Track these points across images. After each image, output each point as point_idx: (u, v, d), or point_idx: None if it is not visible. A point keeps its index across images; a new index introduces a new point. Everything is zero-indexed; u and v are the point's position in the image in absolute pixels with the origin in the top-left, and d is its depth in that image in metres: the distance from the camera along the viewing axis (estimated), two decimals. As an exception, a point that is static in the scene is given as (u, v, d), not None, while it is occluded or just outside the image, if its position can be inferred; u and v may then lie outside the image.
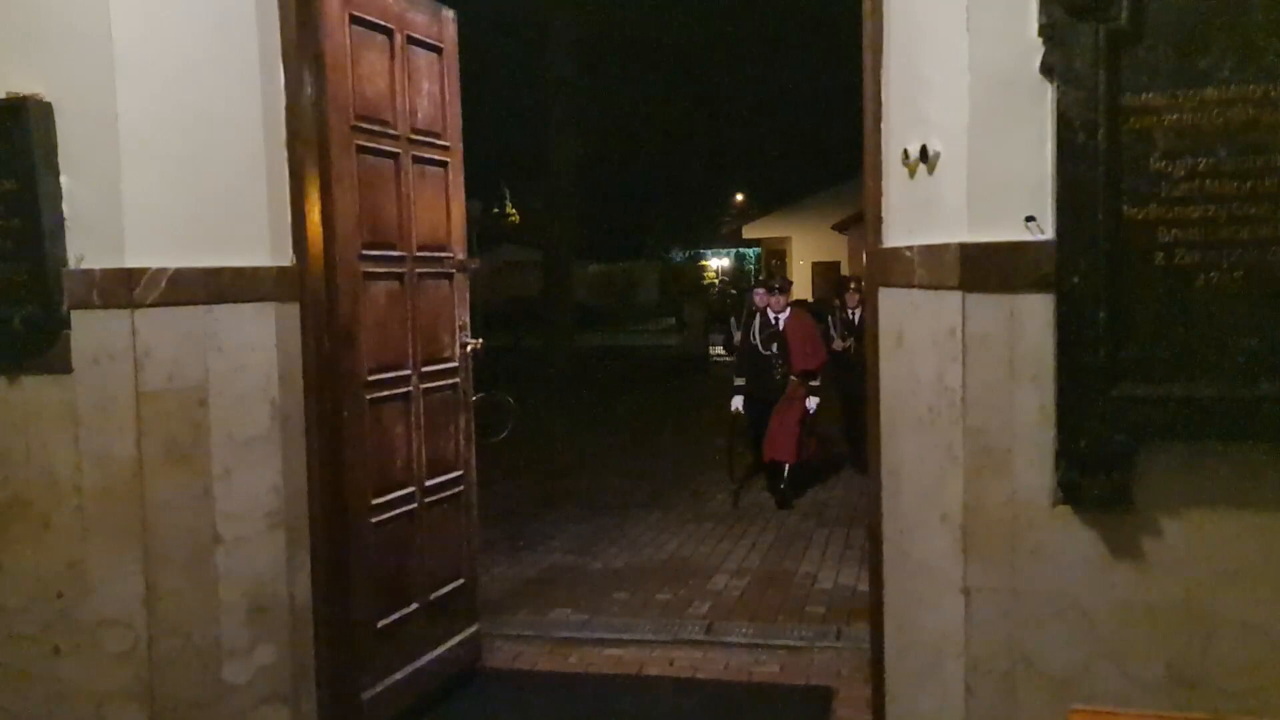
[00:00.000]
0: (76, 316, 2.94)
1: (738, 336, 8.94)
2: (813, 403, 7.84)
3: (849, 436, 9.07)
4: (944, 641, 2.71)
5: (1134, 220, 2.45)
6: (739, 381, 8.12)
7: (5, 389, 3.00)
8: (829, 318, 9.34)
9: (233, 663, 3.17)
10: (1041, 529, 2.57)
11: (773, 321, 8.05)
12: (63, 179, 2.94)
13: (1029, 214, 2.51)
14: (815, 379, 7.91)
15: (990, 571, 2.60)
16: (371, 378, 3.57)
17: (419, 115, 3.85)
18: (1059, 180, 2.47)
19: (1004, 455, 2.58)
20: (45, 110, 2.91)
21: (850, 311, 8.97)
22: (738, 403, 8.10)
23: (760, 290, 8.56)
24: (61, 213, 2.95)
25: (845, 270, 23.92)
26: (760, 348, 8.03)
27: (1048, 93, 2.48)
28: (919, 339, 2.80)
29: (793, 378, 7.88)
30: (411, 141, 3.80)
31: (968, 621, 2.62)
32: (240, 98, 3.17)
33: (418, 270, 3.82)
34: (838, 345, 8.89)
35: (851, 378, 8.11)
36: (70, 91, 2.91)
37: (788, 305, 8.16)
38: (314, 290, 3.34)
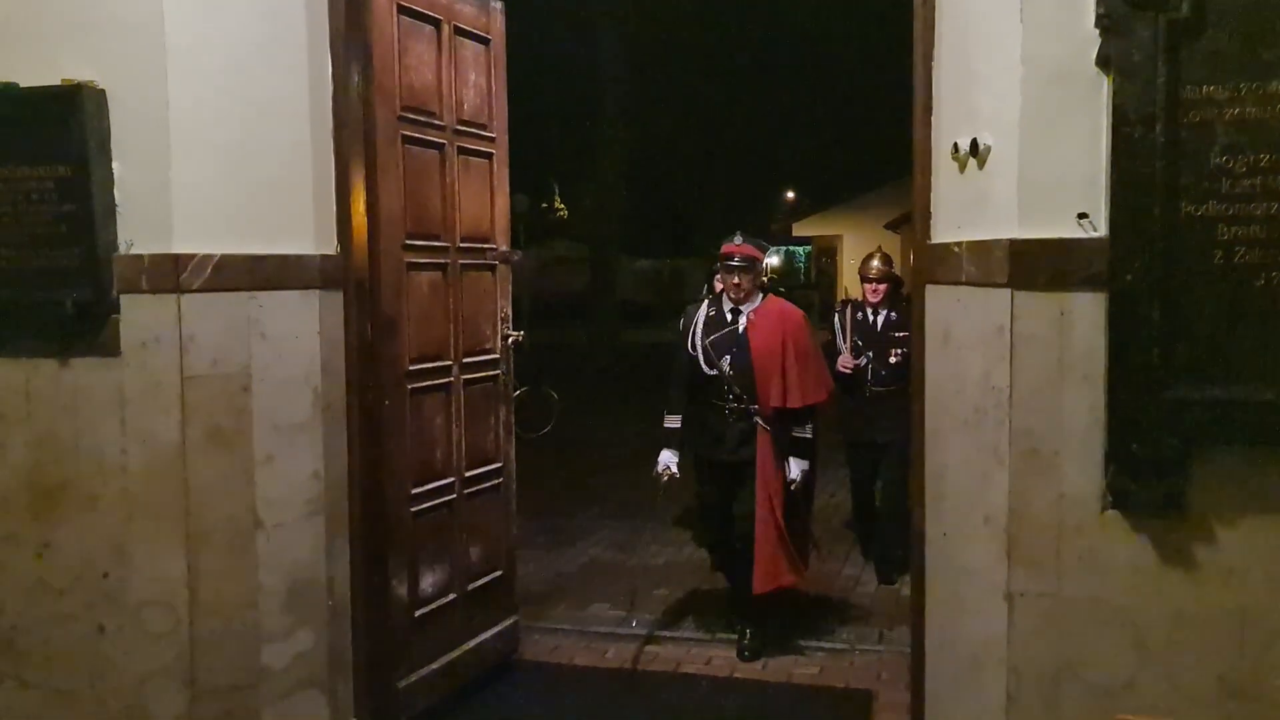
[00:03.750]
0: (125, 301, 2.99)
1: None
2: (796, 468, 4.35)
3: (861, 532, 5.96)
4: (986, 647, 2.65)
5: (1192, 217, 2.38)
6: (670, 421, 4.53)
7: (56, 371, 3.05)
8: (837, 319, 5.76)
9: (271, 647, 3.19)
10: (1089, 534, 2.50)
11: (727, 318, 4.45)
12: (115, 165, 2.98)
13: (1081, 210, 2.44)
14: (805, 425, 4.38)
15: (1035, 576, 2.54)
16: (413, 367, 3.58)
17: (465, 106, 3.86)
18: (1113, 176, 2.40)
19: (1051, 458, 2.51)
20: (99, 97, 2.96)
21: (870, 309, 5.54)
22: (666, 460, 4.44)
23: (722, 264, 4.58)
24: (113, 198, 2.99)
25: (898, 269, 23.62)
26: (703, 364, 4.42)
27: (1103, 86, 2.41)
28: (966, 337, 2.75)
29: (759, 423, 4.29)
30: (457, 132, 3.80)
31: (1011, 627, 2.56)
32: (288, 87, 3.19)
33: (460, 261, 3.83)
34: (846, 363, 5.45)
35: (867, 422, 5.45)
36: (123, 78, 2.94)
37: (760, 290, 4.57)
38: (358, 279, 3.36)
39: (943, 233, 2.97)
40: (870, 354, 5.56)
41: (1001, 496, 2.57)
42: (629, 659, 4.35)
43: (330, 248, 3.33)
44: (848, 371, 5.52)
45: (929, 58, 3.01)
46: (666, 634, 4.65)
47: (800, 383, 4.29)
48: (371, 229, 3.38)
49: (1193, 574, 2.46)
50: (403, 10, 3.50)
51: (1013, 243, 2.51)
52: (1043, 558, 2.54)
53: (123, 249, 2.98)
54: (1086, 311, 2.46)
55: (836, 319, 5.81)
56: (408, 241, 3.54)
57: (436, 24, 3.69)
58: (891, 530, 5.28)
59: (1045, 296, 2.49)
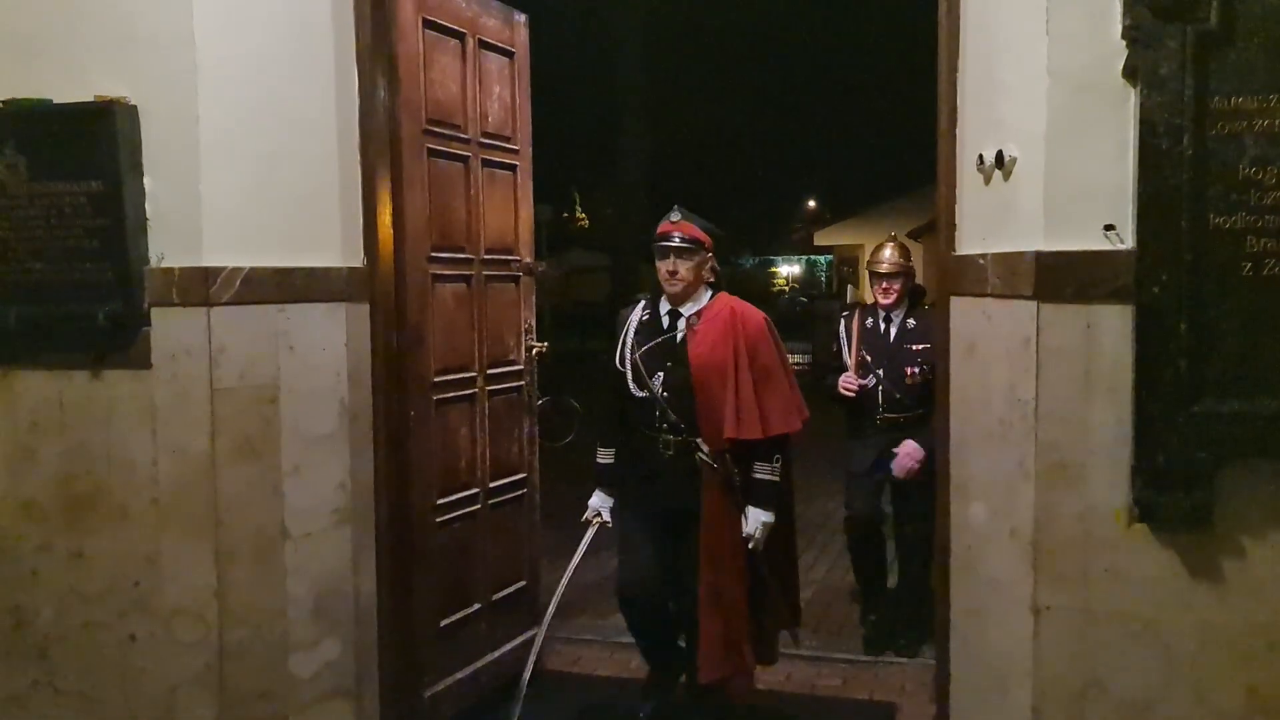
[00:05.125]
0: (156, 313, 3.02)
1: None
2: (754, 522, 3.32)
3: (867, 596, 4.71)
4: (1011, 661, 2.64)
5: (1220, 229, 2.36)
6: (602, 456, 3.69)
7: (88, 383, 3.09)
8: (841, 326, 4.64)
9: (299, 656, 3.22)
10: (1116, 547, 2.49)
11: (663, 323, 3.48)
12: (146, 180, 3.02)
13: (1108, 222, 2.43)
14: (770, 463, 3.35)
15: (1061, 590, 2.53)
16: (438, 378, 3.60)
17: (489, 119, 3.88)
18: (1141, 187, 2.39)
19: (1078, 470, 2.50)
20: (131, 113, 3.00)
21: (883, 315, 4.49)
22: (597, 504, 3.67)
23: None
24: (145, 213, 3.02)
25: (920, 278, 23.52)
26: (631, 382, 3.48)
27: (1130, 97, 2.41)
28: (991, 349, 2.74)
29: (702, 457, 3.33)
30: (481, 145, 3.83)
31: (1037, 641, 2.55)
32: (315, 100, 3.23)
33: (485, 272, 3.85)
34: (849, 384, 4.39)
35: (877, 458, 4.38)
36: (154, 94, 2.98)
37: (709, 288, 3.48)
38: (384, 291, 3.39)
39: (968, 244, 2.97)
40: (881, 371, 4.39)
41: (1027, 509, 2.56)
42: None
43: (356, 260, 3.36)
44: (851, 394, 4.38)
45: (953, 68, 3.01)
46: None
47: (758, 407, 3.25)
48: (397, 241, 3.42)
49: (1221, 588, 2.44)
50: (428, 24, 3.53)
51: (1039, 255, 2.50)
52: (1069, 571, 2.52)
53: (154, 262, 3.02)
54: (1113, 324, 2.45)
55: (841, 327, 4.64)
56: (433, 254, 3.57)
57: (461, 37, 3.72)
58: (911, 593, 4.43)
59: (1072, 309, 2.48)
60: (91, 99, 2.97)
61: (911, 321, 4.46)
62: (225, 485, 3.03)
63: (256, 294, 3.06)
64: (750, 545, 3.32)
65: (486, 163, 3.87)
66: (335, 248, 3.32)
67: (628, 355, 3.47)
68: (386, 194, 3.39)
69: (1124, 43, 2.39)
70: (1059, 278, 2.48)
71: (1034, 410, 2.53)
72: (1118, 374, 2.45)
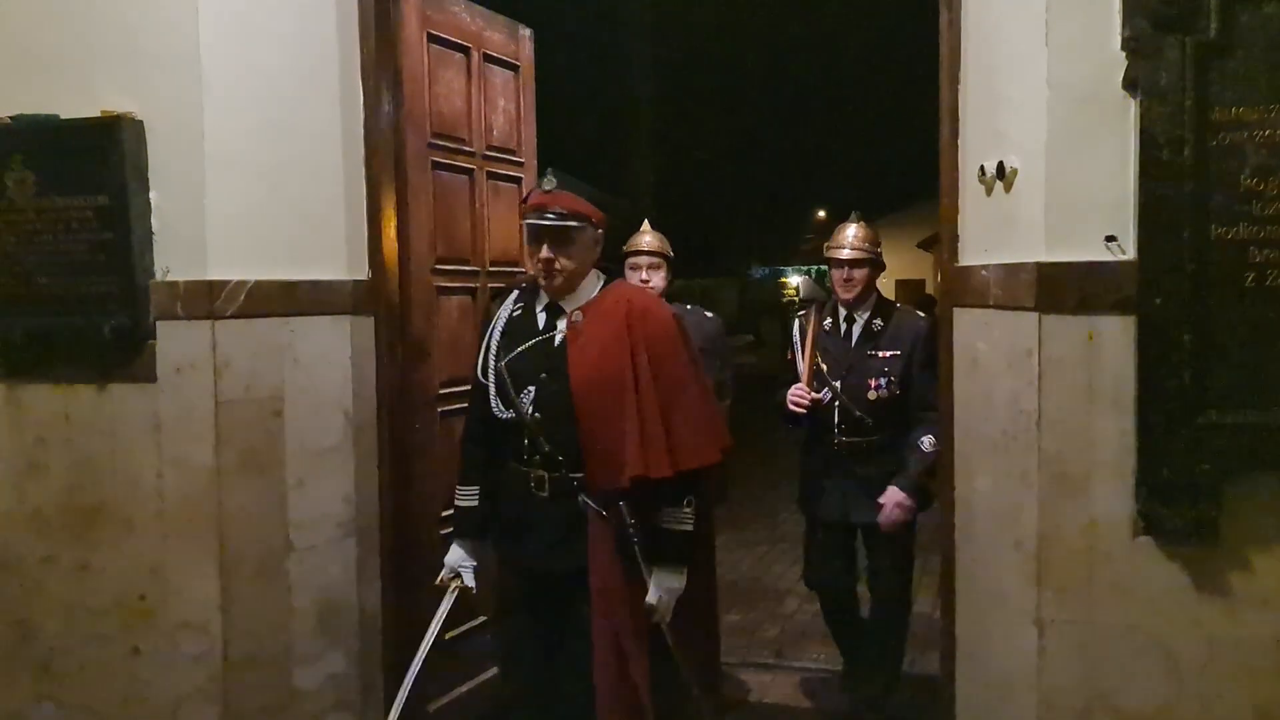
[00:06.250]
0: (161, 327, 3.04)
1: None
2: (658, 588, 2.57)
3: (844, 641, 4.05)
4: (1016, 674, 2.62)
5: (1222, 240, 2.36)
6: (462, 496, 2.87)
7: (94, 396, 3.11)
8: (796, 328, 3.86)
9: (303, 669, 3.22)
10: (1121, 560, 2.47)
11: (537, 319, 2.72)
12: (152, 194, 3.04)
13: (1109, 233, 2.43)
14: (680, 506, 2.59)
15: (1066, 603, 2.51)
16: (443, 390, 3.61)
17: (494, 132, 3.90)
18: (1142, 198, 2.38)
19: (1081, 482, 2.49)
20: (137, 128, 3.02)
21: (844, 312, 3.72)
22: (455, 561, 2.84)
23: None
24: (150, 226, 3.04)
25: (930, 290, 23.55)
26: (494, 399, 2.71)
27: (1130, 108, 2.40)
28: (994, 361, 2.73)
29: (590, 506, 2.57)
30: (486, 158, 3.85)
31: (1041, 654, 2.53)
32: (320, 115, 3.25)
33: (490, 285, 3.86)
34: (800, 397, 3.63)
35: (836, 490, 3.66)
36: (160, 109, 3.00)
37: (598, 277, 2.73)
38: (388, 304, 3.40)
39: (970, 255, 2.96)
40: (839, 382, 3.60)
41: (1031, 521, 2.54)
42: (658, 682, 4.32)
43: (361, 273, 3.38)
44: (801, 409, 3.60)
45: (955, 80, 3.01)
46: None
47: (663, 433, 2.49)
48: (402, 254, 3.43)
49: (1228, 601, 2.42)
50: (433, 39, 3.55)
51: (1040, 266, 2.49)
52: (1073, 584, 2.51)
53: (159, 276, 3.04)
54: (1116, 335, 2.44)
55: (795, 327, 3.83)
56: (437, 266, 3.58)
57: (466, 51, 3.74)
58: (882, 628, 3.86)
59: (1073, 320, 2.48)
60: (98, 114, 3.00)
61: (878, 323, 3.66)
62: (230, 498, 3.04)
63: (261, 307, 3.08)
64: (654, 619, 2.55)
65: (491, 175, 3.89)
66: (340, 261, 3.33)
67: (490, 364, 2.72)
68: (391, 207, 3.40)
69: (1124, 54, 2.39)
70: (1060, 289, 2.47)
71: (1036, 422, 2.52)
72: (1120, 385, 2.44)
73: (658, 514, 2.58)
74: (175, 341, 3.02)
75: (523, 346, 2.68)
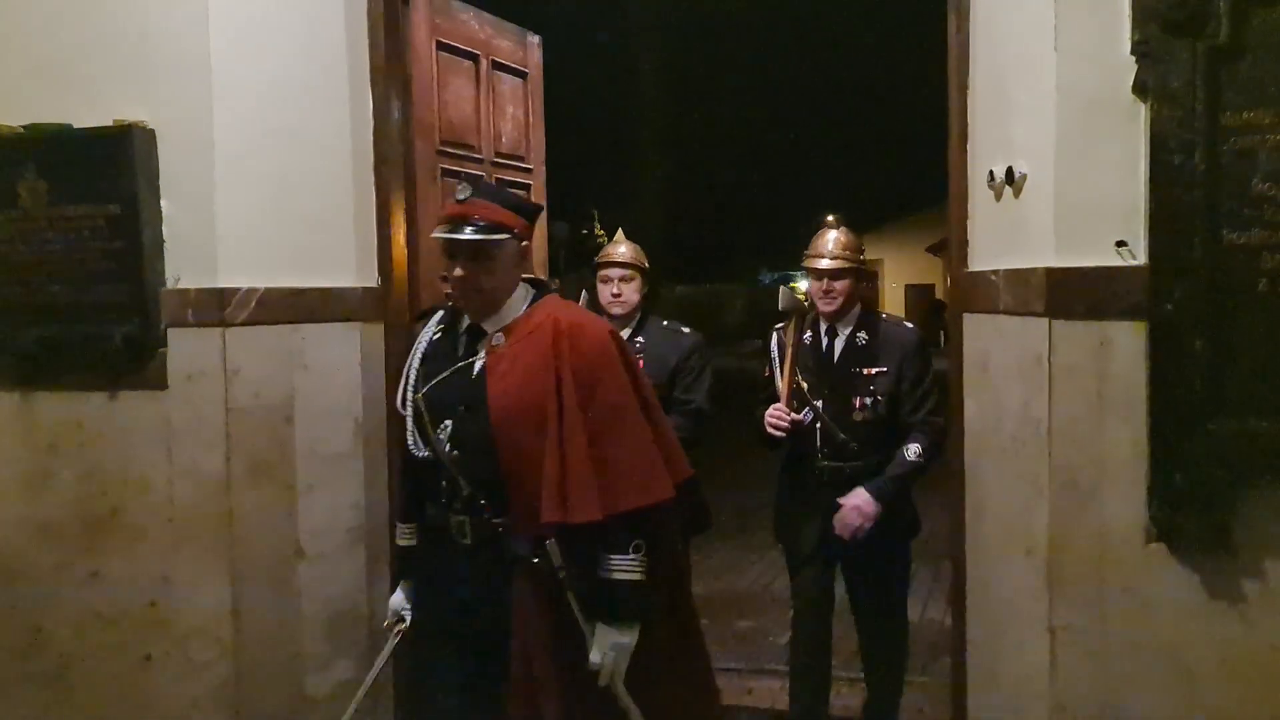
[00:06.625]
0: (172, 334, 3.05)
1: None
2: (600, 647, 2.18)
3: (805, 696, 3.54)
4: (1028, 682, 2.61)
5: (1234, 245, 2.34)
6: (403, 535, 2.55)
7: (105, 404, 3.12)
8: (774, 341, 3.53)
9: (314, 676, 3.22)
10: (1133, 568, 2.45)
11: (459, 342, 2.39)
12: (163, 202, 3.05)
13: (1120, 238, 2.41)
14: (624, 552, 2.21)
15: (1077, 610, 2.49)
16: (452, 398, 3.61)
17: (503, 139, 3.91)
18: (1152, 203, 2.37)
19: (1092, 489, 2.47)
20: (149, 137, 3.03)
21: (825, 325, 3.41)
22: (400, 605, 2.55)
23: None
24: (161, 234, 3.06)
25: (940, 295, 23.48)
26: (410, 436, 2.38)
27: (1140, 113, 2.39)
28: (1004, 367, 2.72)
29: (514, 550, 2.25)
30: (495, 165, 3.86)
31: (1052, 662, 2.51)
32: (329, 123, 3.26)
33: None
34: (779, 418, 3.29)
35: (819, 520, 3.31)
36: (171, 118, 3.02)
37: (528, 292, 2.38)
38: (398, 311, 3.41)
39: (980, 261, 2.95)
40: (820, 402, 3.32)
41: (1042, 528, 2.53)
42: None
43: (371, 280, 3.39)
44: (782, 433, 3.29)
45: (963, 86, 3.01)
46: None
47: (591, 470, 2.17)
48: (411, 261, 3.44)
49: (1242, 610, 2.40)
50: (441, 46, 3.57)
51: (1050, 271, 2.48)
52: (1085, 591, 2.49)
53: (170, 284, 3.05)
54: (1127, 341, 2.43)
55: (773, 341, 3.52)
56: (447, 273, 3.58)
57: (475, 59, 3.76)
58: (876, 690, 3.56)
59: (1084, 326, 2.46)
60: (110, 123, 3.02)
61: (863, 336, 3.36)
62: (240, 505, 3.05)
63: (271, 314, 3.09)
64: (601, 684, 2.20)
65: (500, 182, 3.89)
66: (350, 268, 3.34)
67: (408, 394, 2.38)
68: (400, 214, 3.42)
69: (1133, 58, 2.38)
70: (1070, 294, 2.46)
71: (1047, 428, 2.50)
72: (1132, 392, 2.43)
73: (600, 563, 2.22)
74: (186, 349, 3.03)
75: (440, 375, 2.34)
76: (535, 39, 4.09)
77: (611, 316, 3.49)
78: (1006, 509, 2.71)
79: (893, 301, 30.63)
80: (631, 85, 19.22)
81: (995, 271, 2.75)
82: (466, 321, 2.39)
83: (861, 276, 3.41)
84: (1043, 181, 2.53)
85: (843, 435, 3.30)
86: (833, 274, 3.32)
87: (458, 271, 2.27)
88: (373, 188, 3.38)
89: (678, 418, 3.35)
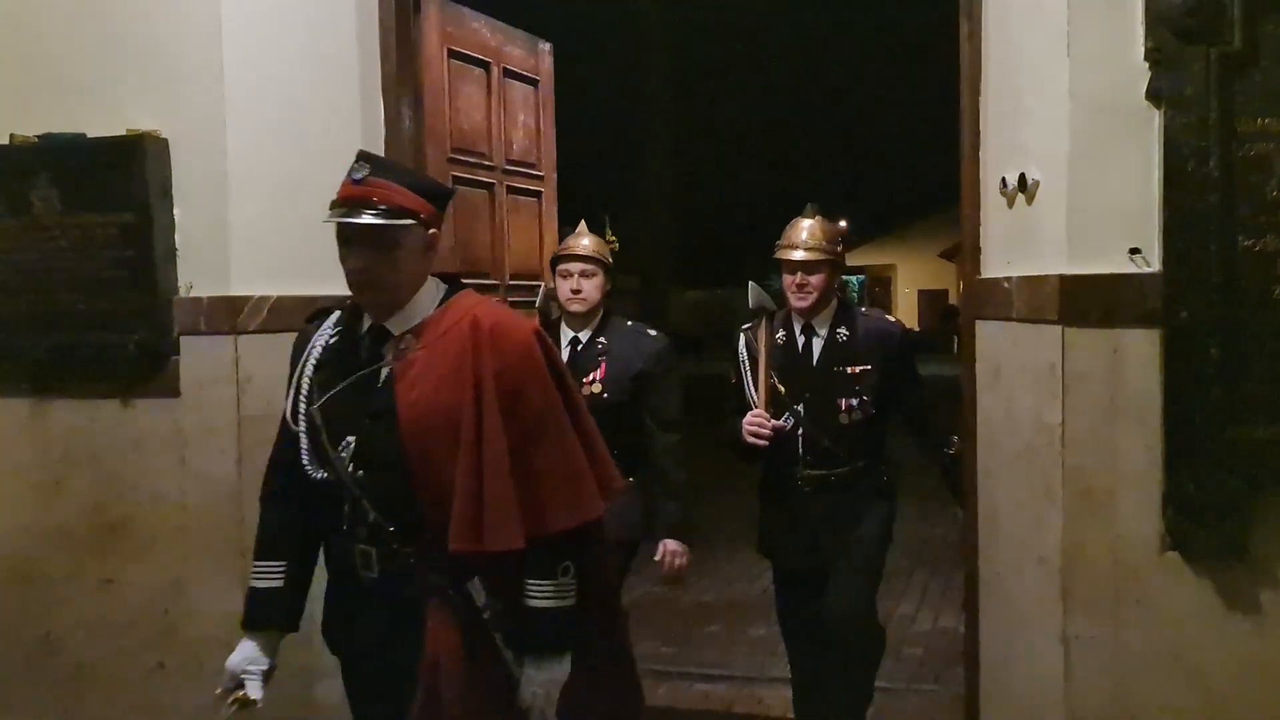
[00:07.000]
0: (185, 342, 3.06)
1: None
2: (530, 684, 1.95)
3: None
4: (1041, 692, 2.59)
5: (1249, 252, 2.32)
6: (260, 575, 2.15)
7: (118, 412, 3.13)
8: (743, 343, 3.28)
9: (323, 683, 3.21)
10: (1147, 577, 2.43)
11: (361, 345, 2.07)
12: (176, 211, 3.07)
13: (1133, 245, 2.40)
14: (553, 578, 1.96)
15: (1091, 620, 2.48)
16: (463, 405, 3.61)
17: (514, 146, 3.92)
18: (1166, 210, 2.36)
19: (1106, 498, 2.46)
20: (162, 146, 3.05)
21: (799, 323, 3.20)
22: (239, 665, 2.14)
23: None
24: (174, 243, 3.08)
25: (954, 301, 23.39)
26: (305, 455, 2.03)
27: (1154, 119, 2.38)
28: (1017, 374, 2.71)
29: (430, 581, 1.95)
30: (506, 172, 3.88)
31: (1067, 672, 2.49)
32: (341, 131, 3.27)
33: (510, 298, 3.87)
34: (758, 426, 3.04)
35: (804, 534, 3.13)
36: (184, 127, 3.04)
37: (439, 288, 2.08)
38: (409, 319, 3.41)
39: (992, 268, 2.94)
40: (801, 407, 3.08)
41: (1055, 537, 2.51)
42: (681, 698, 4.31)
43: (382, 288, 3.39)
44: (762, 441, 3.03)
45: (975, 91, 3.00)
46: (718, 673, 4.61)
47: (512, 490, 1.91)
48: (422, 269, 3.44)
49: (1258, 619, 2.38)
50: (453, 54, 3.58)
51: (1063, 279, 2.47)
52: (1099, 601, 2.47)
53: (183, 292, 3.07)
54: (1141, 349, 2.41)
55: (741, 343, 3.25)
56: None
57: (486, 66, 3.77)
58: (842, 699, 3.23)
59: (1097, 333, 2.45)
60: (124, 133, 3.04)
61: (843, 333, 3.13)
62: (251, 513, 3.02)
63: (283, 322, 3.08)
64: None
65: (511, 190, 3.91)
66: (361, 276, 3.34)
67: (301, 406, 2.06)
68: (411, 222, 3.41)
69: (1146, 65, 2.37)
70: (1083, 301, 2.44)
71: (1060, 436, 2.49)
72: (1146, 400, 2.41)
73: (525, 590, 1.96)
74: (198, 357, 3.05)
75: (341, 384, 2.02)
76: (546, 46, 4.10)
77: (571, 314, 3.27)
78: (1019, 517, 2.70)
79: (906, 307, 30.57)
80: (642, 92, 19.22)
81: (1008, 278, 2.73)
82: (368, 322, 2.07)
83: (838, 269, 3.18)
84: (1056, 188, 2.51)
85: (827, 441, 3.07)
86: (807, 266, 3.08)
87: (354, 263, 1.98)
88: (384, 196, 3.38)
89: (663, 471, 3.24)
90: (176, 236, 3.07)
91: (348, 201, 1.99)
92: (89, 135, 3.07)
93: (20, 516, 3.20)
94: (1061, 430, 2.48)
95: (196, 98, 3.02)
